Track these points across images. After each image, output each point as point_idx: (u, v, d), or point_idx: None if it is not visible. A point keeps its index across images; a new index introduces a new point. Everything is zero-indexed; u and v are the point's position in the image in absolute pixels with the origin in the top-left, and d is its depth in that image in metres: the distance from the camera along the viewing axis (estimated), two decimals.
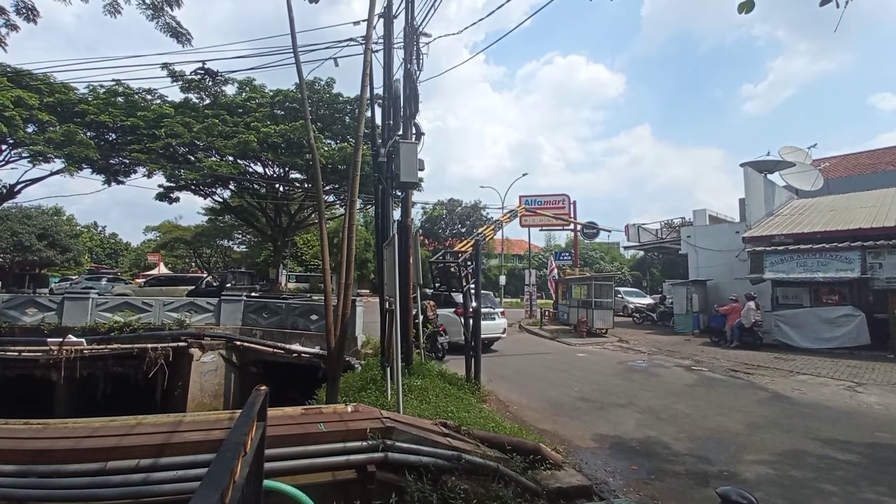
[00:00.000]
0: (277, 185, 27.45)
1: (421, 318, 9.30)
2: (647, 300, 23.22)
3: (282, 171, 26.52)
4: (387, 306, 7.03)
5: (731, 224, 18.62)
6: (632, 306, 22.44)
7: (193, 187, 25.80)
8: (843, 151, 31.01)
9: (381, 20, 7.78)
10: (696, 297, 16.59)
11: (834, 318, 12.74)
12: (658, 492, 4.46)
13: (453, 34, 8.09)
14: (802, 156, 20.22)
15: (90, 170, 22.78)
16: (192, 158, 23.18)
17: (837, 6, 3.24)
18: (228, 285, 23.37)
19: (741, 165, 17.44)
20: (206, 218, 39.35)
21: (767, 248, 14.31)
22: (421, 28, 7.82)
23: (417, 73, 7.70)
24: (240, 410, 2.14)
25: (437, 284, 7.84)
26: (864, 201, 15.94)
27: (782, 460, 5.23)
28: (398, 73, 7.81)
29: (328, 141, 26.20)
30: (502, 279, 29.89)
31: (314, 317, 12.25)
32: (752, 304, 13.63)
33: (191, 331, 12.01)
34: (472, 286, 7.63)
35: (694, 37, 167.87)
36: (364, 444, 3.53)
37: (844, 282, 12.86)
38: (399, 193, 7.48)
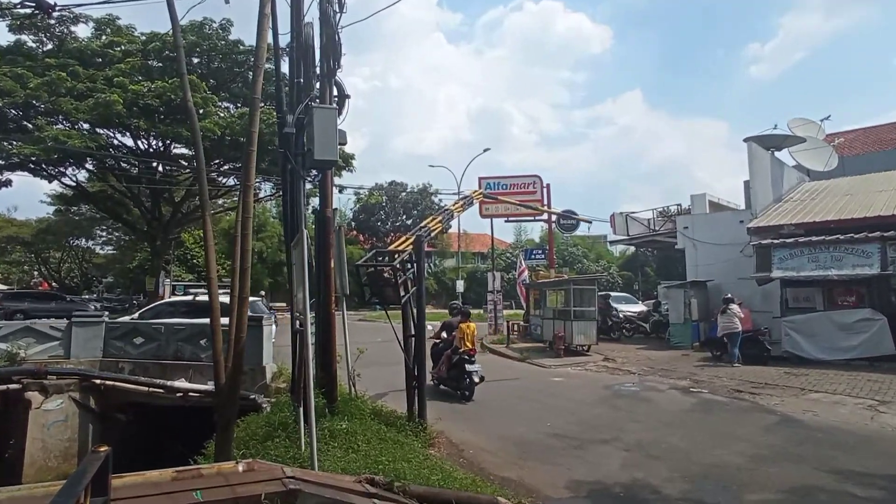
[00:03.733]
0: (155, 164, 26.13)
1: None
2: (639, 307, 24.15)
3: (160, 144, 25.30)
4: (297, 325, 6.91)
5: (734, 212, 19.68)
6: (621, 315, 23.27)
7: (32, 166, 24.00)
8: (861, 124, 33.69)
9: None
10: (696, 301, 17.40)
11: (851, 322, 13.76)
12: None
13: None
14: (814, 129, 21.74)
15: None
16: (29, 125, 21.54)
17: None
18: None
19: (745, 141, 18.46)
20: (52, 209, 36.93)
21: (775, 241, 15.24)
22: None
23: (338, 14, 7.47)
24: None
25: (368, 296, 7.78)
26: (884, 183, 17.32)
27: (791, 499, 5.56)
28: (311, 15, 7.60)
29: (225, 104, 25.21)
30: (460, 284, 30.08)
31: (206, 342, 11.75)
32: (734, 308, 14.18)
33: (27, 367, 11.16)
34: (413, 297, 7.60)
35: None
36: None
37: (862, 279, 13.92)
38: (316, 174, 7.29)
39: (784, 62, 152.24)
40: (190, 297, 15.46)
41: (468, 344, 10.22)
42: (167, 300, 17.86)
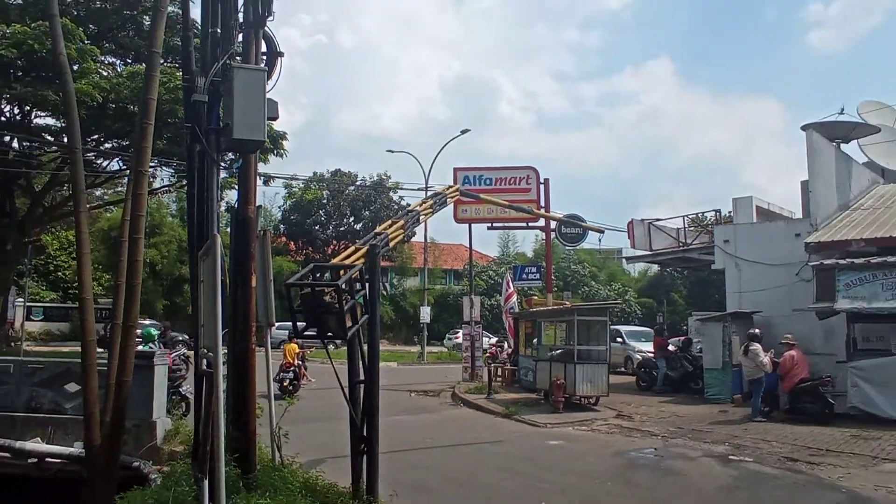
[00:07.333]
0: (8, 138, 25.43)
1: None
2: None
3: (16, 111, 24.79)
4: (203, 364, 6.75)
5: (788, 222, 20.17)
6: (639, 357, 23.53)
7: None
8: None
9: None
10: (738, 340, 17.46)
11: None
12: None
13: None
14: (892, 117, 22.39)
15: None
16: None
17: None
18: None
19: (803, 129, 18.93)
20: None
21: (841, 262, 15.52)
22: None
23: None
24: None
25: (302, 327, 7.62)
26: None
27: None
28: None
29: (110, 60, 24.77)
30: (425, 312, 30.09)
31: (72, 386, 11.50)
32: (755, 348, 14.87)
33: None
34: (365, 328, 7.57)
35: None
36: None
37: None
38: (234, 159, 7.21)
39: (854, 29, 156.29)
40: None
41: (289, 359, 18.72)
42: None
